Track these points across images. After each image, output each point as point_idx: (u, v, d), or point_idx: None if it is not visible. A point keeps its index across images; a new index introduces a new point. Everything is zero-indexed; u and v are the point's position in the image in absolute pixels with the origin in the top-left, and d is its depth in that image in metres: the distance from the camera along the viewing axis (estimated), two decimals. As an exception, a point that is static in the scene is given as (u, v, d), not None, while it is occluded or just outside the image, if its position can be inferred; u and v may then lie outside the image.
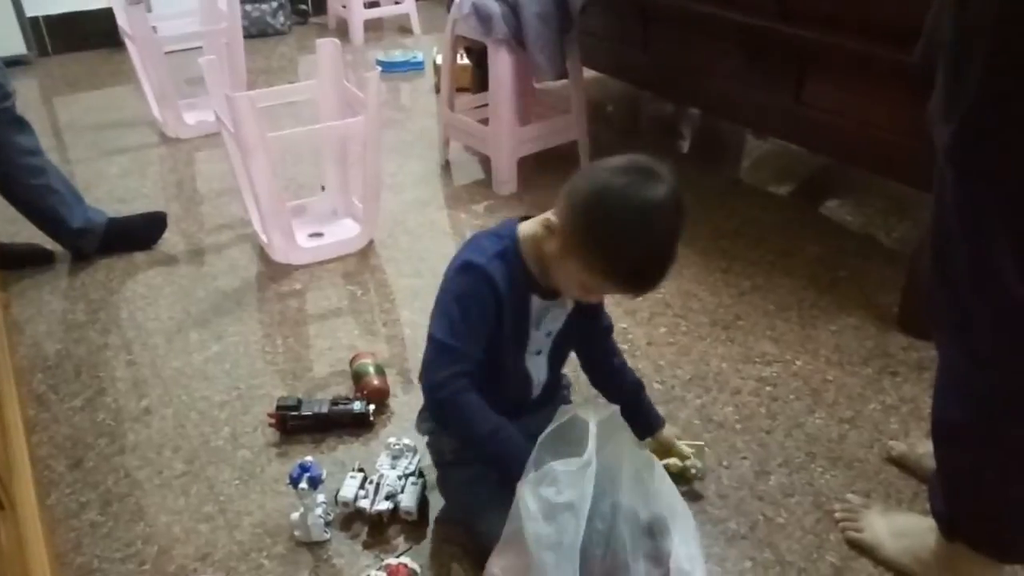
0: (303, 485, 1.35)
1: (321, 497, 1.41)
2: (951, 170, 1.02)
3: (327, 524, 1.41)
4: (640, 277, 1.18)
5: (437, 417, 1.34)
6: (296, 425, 1.64)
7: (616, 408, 1.18)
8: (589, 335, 1.44)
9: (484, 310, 1.24)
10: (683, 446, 1.46)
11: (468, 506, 1.36)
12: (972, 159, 0.99)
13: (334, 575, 1.35)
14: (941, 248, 1.08)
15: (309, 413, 1.64)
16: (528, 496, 1.11)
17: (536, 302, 1.28)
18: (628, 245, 1.13)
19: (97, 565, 1.39)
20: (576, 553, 1.05)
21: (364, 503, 1.42)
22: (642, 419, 1.45)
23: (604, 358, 1.48)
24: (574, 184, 1.19)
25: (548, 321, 1.32)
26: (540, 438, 1.17)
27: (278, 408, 1.64)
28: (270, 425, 1.64)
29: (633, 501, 1.17)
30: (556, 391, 1.46)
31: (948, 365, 1.14)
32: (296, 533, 1.40)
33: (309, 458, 1.41)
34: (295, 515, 1.39)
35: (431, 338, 1.26)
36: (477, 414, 1.24)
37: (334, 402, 1.66)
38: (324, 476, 1.40)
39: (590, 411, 1.15)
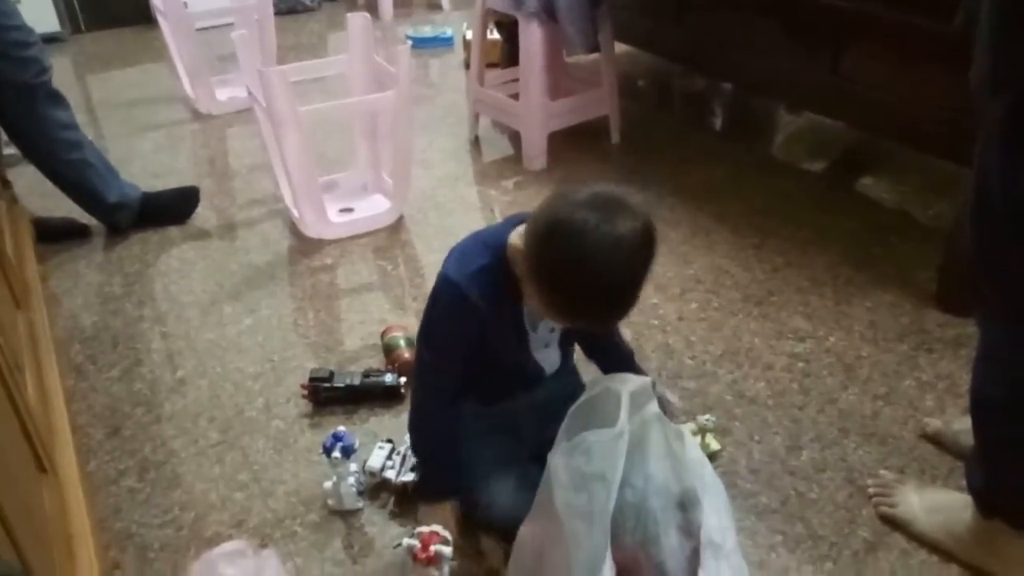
0: (336, 454, 1.37)
1: (353, 467, 1.42)
2: (1000, 144, 0.99)
3: (360, 493, 1.43)
4: (588, 316, 1.16)
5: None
6: (328, 396, 1.65)
7: (648, 379, 1.18)
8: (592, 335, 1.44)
9: (461, 327, 1.26)
10: (674, 398, 1.50)
11: (469, 479, 1.37)
12: None
13: (367, 543, 1.37)
14: (984, 223, 1.06)
15: (341, 385, 1.65)
16: (559, 466, 1.11)
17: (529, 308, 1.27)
18: (573, 285, 1.09)
19: (136, 530, 1.42)
20: (607, 521, 1.05)
21: (390, 473, 1.44)
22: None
23: (605, 344, 1.48)
24: (539, 210, 1.14)
25: (547, 321, 1.31)
26: (571, 409, 1.17)
27: (311, 380, 1.66)
28: (303, 396, 1.66)
29: (664, 473, 1.17)
30: (568, 363, 1.46)
31: (990, 341, 1.12)
32: (329, 502, 1.42)
33: (342, 428, 1.42)
34: (328, 484, 1.41)
35: (418, 340, 1.34)
36: (431, 428, 1.35)
37: (365, 374, 1.67)
38: (357, 446, 1.41)
39: (622, 382, 1.15)
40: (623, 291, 1.11)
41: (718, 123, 3.05)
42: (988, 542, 1.22)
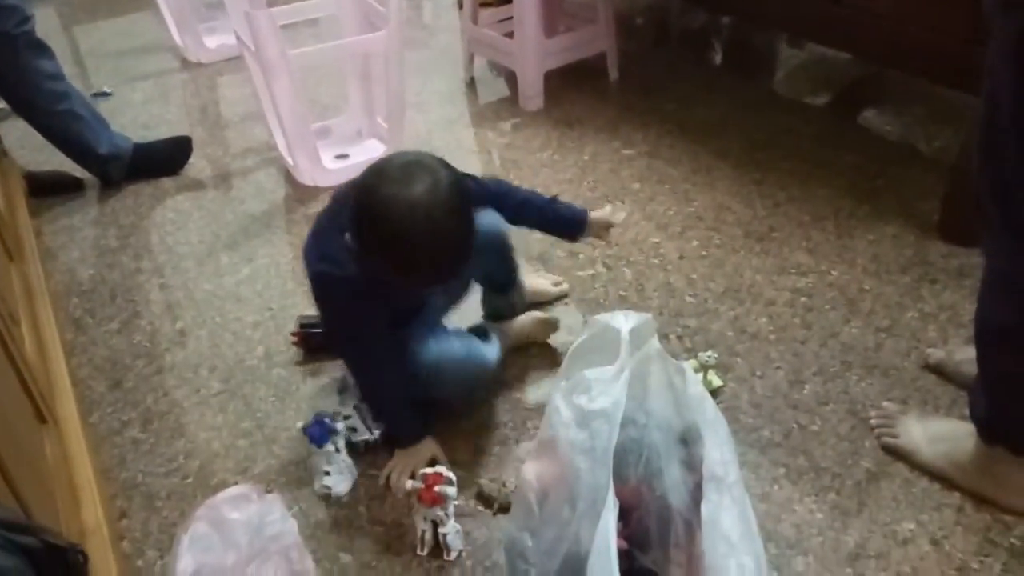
0: (329, 446, 1.35)
1: (342, 453, 1.38)
2: (1013, 66, 0.96)
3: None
4: (426, 279, 1.23)
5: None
6: (320, 342, 1.64)
7: (648, 316, 1.16)
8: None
9: (359, 307, 1.30)
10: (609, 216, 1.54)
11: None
12: None
13: (371, 486, 1.37)
14: (992, 149, 1.03)
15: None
16: (561, 404, 1.11)
17: None
18: (396, 257, 1.16)
19: (141, 480, 1.43)
20: (610, 458, 1.05)
21: (372, 435, 1.43)
22: (562, 223, 1.53)
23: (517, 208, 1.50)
24: (353, 192, 1.19)
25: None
26: (571, 348, 1.17)
27: (301, 326, 1.65)
28: (294, 344, 1.65)
29: (665, 409, 1.17)
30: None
31: (996, 268, 1.10)
32: (326, 489, 1.37)
33: (324, 414, 1.39)
34: (325, 480, 1.36)
35: (325, 338, 1.50)
36: (382, 392, 1.39)
37: None
38: (340, 427, 1.39)
39: (622, 319, 1.14)
40: (440, 248, 1.16)
41: (718, 58, 2.98)
42: (990, 470, 1.22)
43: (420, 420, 1.40)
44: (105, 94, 2.87)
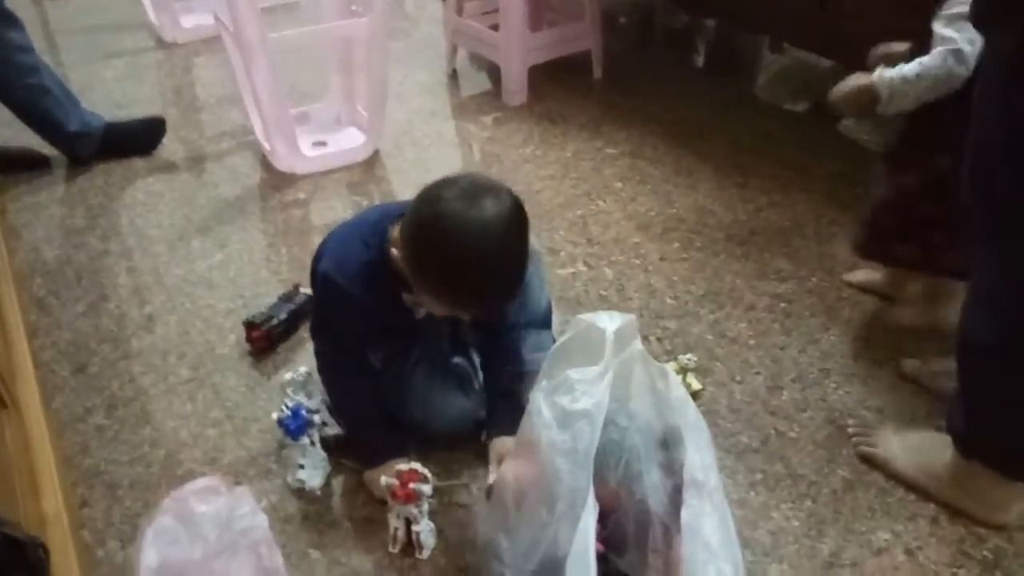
0: (304, 439, 1.31)
1: (317, 447, 1.35)
2: (1011, 78, 0.95)
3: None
4: (470, 302, 1.18)
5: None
6: (279, 332, 1.61)
7: (632, 317, 1.15)
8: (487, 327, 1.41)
9: (349, 320, 1.27)
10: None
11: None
12: None
13: (344, 480, 1.34)
14: (982, 163, 1.03)
15: (285, 315, 1.61)
16: (542, 404, 1.09)
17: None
18: (449, 273, 1.11)
19: (105, 467, 1.39)
20: (591, 460, 1.04)
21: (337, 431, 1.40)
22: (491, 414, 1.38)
23: (493, 343, 1.41)
24: (413, 202, 1.15)
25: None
26: (554, 347, 1.15)
27: (253, 326, 1.58)
28: (258, 350, 1.59)
29: (647, 411, 1.15)
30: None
31: (982, 286, 1.10)
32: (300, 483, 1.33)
33: (292, 403, 1.34)
34: (299, 473, 1.32)
35: (312, 334, 1.38)
36: (355, 407, 1.35)
37: (286, 297, 1.66)
38: (316, 418, 1.36)
39: (607, 319, 1.12)
40: (497, 273, 1.12)
41: (700, 60, 2.98)
42: (965, 483, 1.22)
43: (395, 436, 1.34)
44: None
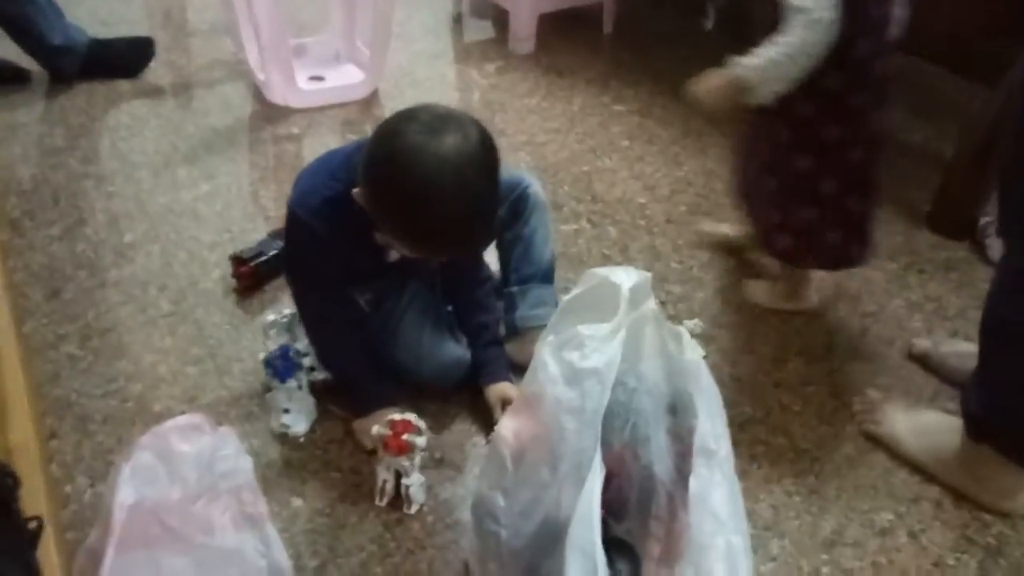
0: (292, 382, 1.25)
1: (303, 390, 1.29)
2: None
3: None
4: (434, 246, 1.11)
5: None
6: (267, 270, 1.53)
7: (648, 275, 1.09)
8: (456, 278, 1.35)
9: (319, 258, 1.20)
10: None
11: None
12: None
13: (329, 427, 1.28)
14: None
15: (275, 252, 1.52)
16: (549, 359, 1.03)
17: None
18: (408, 215, 1.05)
19: (76, 399, 1.31)
20: (599, 420, 0.98)
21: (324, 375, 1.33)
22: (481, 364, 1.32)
23: (466, 295, 1.36)
24: (371, 138, 1.07)
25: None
26: (563, 301, 1.09)
27: (241, 261, 1.51)
28: (245, 287, 1.52)
29: (656, 374, 1.10)
30: None
31: (1015, 267, 1.06)
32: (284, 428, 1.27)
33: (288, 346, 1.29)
34: (284, 418, 1.26)
35: (286, 276, 1.31)
36: (340, 352, 1.28)
37: (276, 234, 1.56)
38: (304, 360, 1.30)
39: (622, 275, 1.06)
40: (458, 213, 1.04)
41: (710, 24, 2.89)
42: (973, 467, 1.19)
43: (385, 384, 1.28)
44: None
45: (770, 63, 1.23)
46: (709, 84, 1.35)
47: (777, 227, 1.41)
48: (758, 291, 1.56)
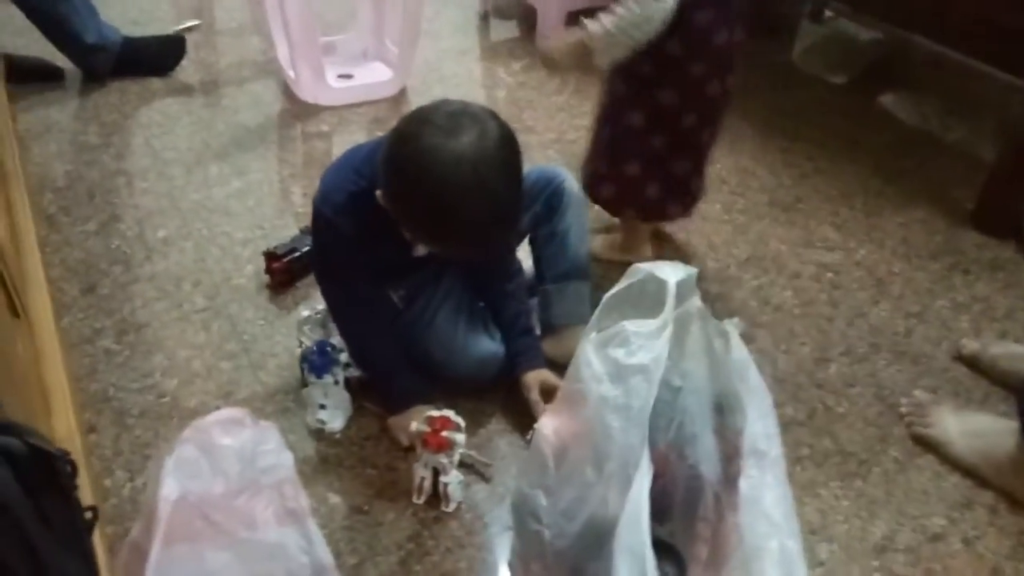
0: (328, 378, 1.23)
1: (339, 387, 1.27)
2: None
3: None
4: (455, 244, 1.10)
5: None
6: (300, 266, 1.51)
7: (694, 271, 1.07)
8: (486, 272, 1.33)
9: (346, 255, 1.19)
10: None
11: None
12: None
13: (365, 424, 1.27)
14: None
15: (307, 248, 1.50)
16: (592, 355, 1.01)
17: None
18: (428, 212, 1.03)
19: (113, 393, 1.31)
20: (646, 419, 0.96)
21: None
22: (516, 353, 1.30)
23: (497, 289, 1.34)
24: (389, 134, 1.06)
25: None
26: (605, 297, 1.06)
27: (274, 257, 1.50)
28: (278, 283, 1.51)
29: (702, 372, 1.08)
30: None
31: None
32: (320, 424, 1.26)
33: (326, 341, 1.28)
34: (320, 414, 1.25)
35: (316, 276, 1.30)
36: (374, 350, 1.26)
37: (309, 231, 1.53)
38: (342, 356, 1.28)
39: (668, 270, 1.04)
40: (484, 216, 1.03)
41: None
42: (1028, 472, 1.16)
43: (420, 380, 1.26)
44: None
45: (607, 33, 1.27)
46: (558, 43, 1.40)
47: (603, 176, 1.47)
48: (597, 243, 1.56)
